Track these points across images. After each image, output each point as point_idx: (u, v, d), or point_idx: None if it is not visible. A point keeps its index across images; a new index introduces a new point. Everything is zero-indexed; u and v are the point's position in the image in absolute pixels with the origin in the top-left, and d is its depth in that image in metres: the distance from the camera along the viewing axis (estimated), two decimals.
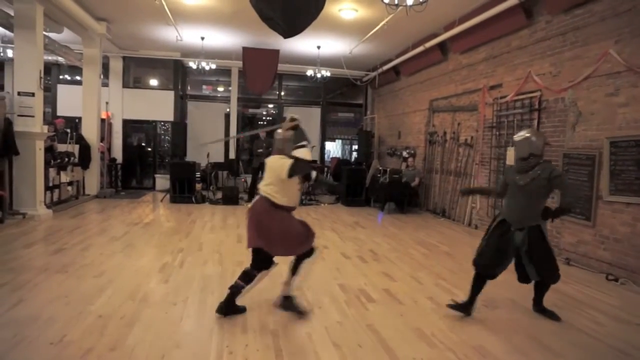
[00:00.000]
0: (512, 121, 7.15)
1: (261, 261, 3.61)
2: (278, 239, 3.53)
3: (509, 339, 3.37)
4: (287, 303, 3.73)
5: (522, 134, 3.83)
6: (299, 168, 3.44)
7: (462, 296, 4.31)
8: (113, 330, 3.20)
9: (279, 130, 3.73)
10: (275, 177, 3.53)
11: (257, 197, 3.66)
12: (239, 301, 3.61)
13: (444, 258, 5.88)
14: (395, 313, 3.82)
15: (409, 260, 5.72)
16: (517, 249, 3.73)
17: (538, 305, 3.96)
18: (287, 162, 3.43)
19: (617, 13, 5.28)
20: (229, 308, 3.57)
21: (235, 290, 3.56)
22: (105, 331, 3.19)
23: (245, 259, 5.36)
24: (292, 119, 3.73)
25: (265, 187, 3.59)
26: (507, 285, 4.74)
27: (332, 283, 4.60)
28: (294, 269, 3.75)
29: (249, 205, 3.74)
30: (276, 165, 3.52)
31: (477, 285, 3.83)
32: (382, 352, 3.06)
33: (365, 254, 5.96)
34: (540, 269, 3.71)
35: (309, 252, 3.73)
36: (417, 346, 3.19)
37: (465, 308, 3.81)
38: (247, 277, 3.59)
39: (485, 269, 3.80)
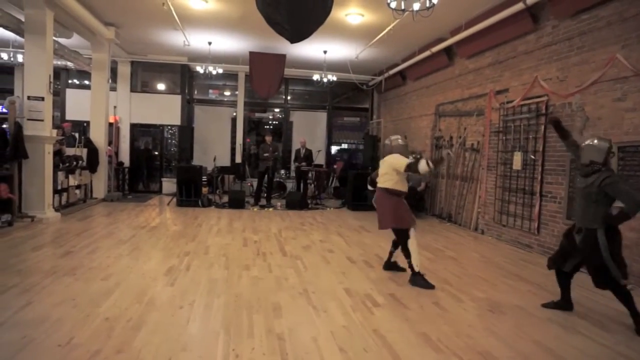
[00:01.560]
0: (519, 126, 7.13)
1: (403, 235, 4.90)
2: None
3: (515, 345, 3.36)
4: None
5: (588, 141, 3.91)
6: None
7: (468, 301, 4.32)
8: (120, 333, 3.23)
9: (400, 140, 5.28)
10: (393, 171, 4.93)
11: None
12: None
13: (449, 263, 5.86)
14: (401, 318, 3.82)
15: None
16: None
17: (562, 300, 4.14)
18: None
19: (624, 18, 5.27)
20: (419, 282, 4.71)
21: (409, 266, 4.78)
22: (112, 334, 3.21)
23: (251, 262, 5.41)
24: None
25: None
26: (513, 291, 4.74)
27: (337, 287, 4.61)
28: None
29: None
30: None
31: (560, 281, 4.13)
32: (387, 357, 3.06)
33: (370, 258, 5.96)
34: (592, 275, 3.82)
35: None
36: (423, 351, 3.19)
37: (562, 306, 4.11)
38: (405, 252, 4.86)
39: (552, 261, 4.10)
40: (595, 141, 3.83)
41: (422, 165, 4.66)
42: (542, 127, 6.58)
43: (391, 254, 5.38)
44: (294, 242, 6.76)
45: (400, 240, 4.98)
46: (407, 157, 5.02)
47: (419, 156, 5.10)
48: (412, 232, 4.93)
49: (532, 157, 6.75)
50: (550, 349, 3.32)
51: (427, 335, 3.46)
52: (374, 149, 13.05)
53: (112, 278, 4.54)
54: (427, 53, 9.71)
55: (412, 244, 4.87)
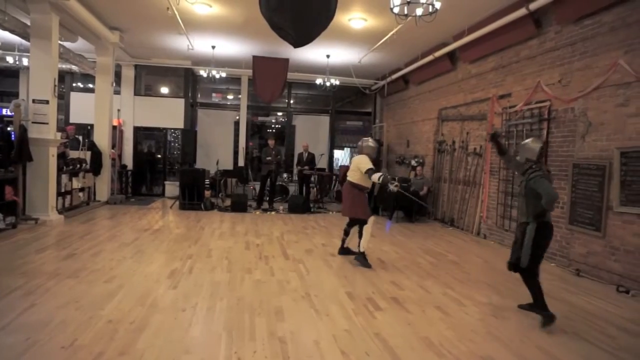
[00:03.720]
0: (522, 131, 7.14)
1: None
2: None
3: (517, 350, 3.35)
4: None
5: (524, 142, 4.34)
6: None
7: (471, 305, 4.32)
8: (123, 335, 3.24)
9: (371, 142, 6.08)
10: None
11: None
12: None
13: (452, 267, 5.86)
14: (403, 322, 3.82)
15: (416, 269, 5.71)
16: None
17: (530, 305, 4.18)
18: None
19: (627, 24, 5.28)
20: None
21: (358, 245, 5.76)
22: (115, 336, 3.22)
23: (254, 266, 5.42)
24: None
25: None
26: (516, 295, 4.72)
27: (340, 291, 4.61)
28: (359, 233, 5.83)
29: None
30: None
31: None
32: None
33: (373, 262, 5.94)
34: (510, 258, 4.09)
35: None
36: (425, 355, 3.19)
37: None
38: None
39: (509, 264, 4.17)
40: (529, 141, 4.22)
41: (375, 176, 5.57)
42: (545, 132, 6.58)
43: (343, 240, 6.24)
44: (296, 246, 6.77)
45: (359, 225, 5.91)
46: (373, 157, 6.02)
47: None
48: (370, 220, 5.80)
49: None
50: (553, 354, 3.31)
51: (429, 339, 3.46)
52: (376, 153, 13.06)
53: (115, 280, 4.56)
54: (430, 58, 9.74)
55: (366, 229, 5.76)
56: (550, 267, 6.04)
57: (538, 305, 3.90)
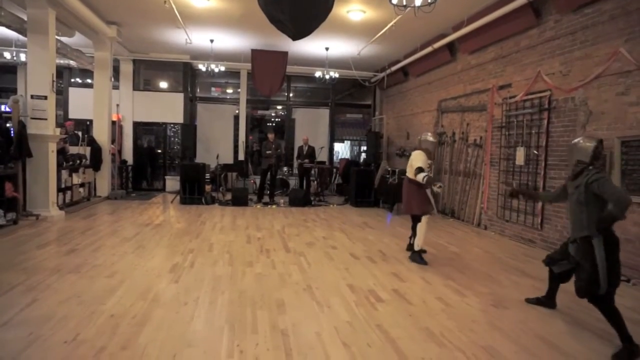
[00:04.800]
0: (522, 121, 7.12)
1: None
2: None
3: (518, 340, 3.36)
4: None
5: (574, 141, 3.69)
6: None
7: (472, 296, 4.33)
8: (125, 330, 3.25)
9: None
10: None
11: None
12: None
13: (453, 258, 5.87)
14: (404, 313, 3.83)
15: None
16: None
17: (545, 297, 4.10)
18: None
19: (628, 12, 5.24)
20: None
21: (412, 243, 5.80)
22: (117, 330, 3.23)
23: (255, 259, 5.43)
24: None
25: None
26: (516, 286, 4.74)
27: (341, 283, 4.62)
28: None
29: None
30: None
31: (550, 279, 4.07)
32: (391, 352, 3.07)
33: (374, 254, 5.97)
34: (579, 283, 3.48)
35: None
36: (426, 346, 3.20)
37: (545, 303, 4.09)
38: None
39: (548, 258, 3.98)
40: (580, 139, 3.64)
41: (420, 176, 5.47)
42: (545, 122, 6.56)
43: (411, 238, 6.06)
44: (297, 239, 6.78)
45: (413, 221, 5.82)
46: (432, 153, 5.96)
47: (429, 170, 5.62)
48: (424, 218, 5.58)
49: (535, 152, 6.73)
50: (554, 344, 3.32)
51: (431, 330, 3.47)
52: (376, 146, 13.06)
53: (116, 275, 4.57)
54: (429, 49, 9.69)
55: (420, 227, 5.59)
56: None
57: (620, 335, 3.22)
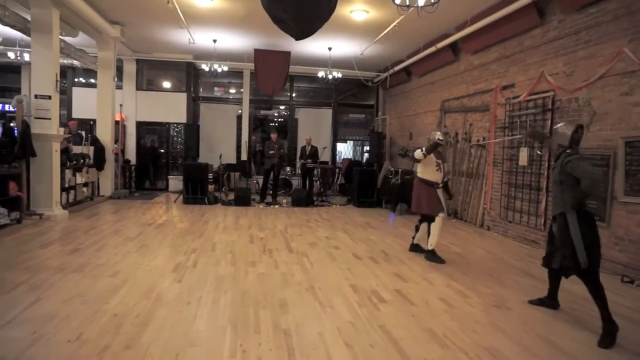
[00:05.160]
0: (525, 121, 7.10)
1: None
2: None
3: (521, 340, 3.36)
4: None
5: (556, 125, 4.02)
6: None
7: (474, 297, 4.32)
8: (128, 329, 3.26)
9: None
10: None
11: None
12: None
13: (455, 259, 5.86)
14: (407, 314, 3.83)
15: (420, 261, 5.70)
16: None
17: (547, 297, 4.09)
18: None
19: (632, 11, 5.22)
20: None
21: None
22: (121, 330, 3.24)
23: (257, 259, 5.44)
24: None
25: None
26: (519, 286, 4.73)
27: (343, 283, 4.62)
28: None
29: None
30: None
31: (549, 278, 4.10)
32: (393, 353, 3.07)
33: (376, 254, 5.96)
34: (560, 261, 3.68)
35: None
36: (429, 347, 3.19)
37: (547, 304, 4.08)
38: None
39: (543, 259, 3.99)
40: (561, 125, 3.93)
41: (417, 153, 5.67)
42: (549, 122, 6.54)
43: (413, 237, 6.16)
44: (300, 239, 6.78)
45: (420, 220, 5.97)
46: (442, 152, 5.98)
47: (437, 169, 5.81)
48: (437, 218, 5.63)
49: (538, 152, 6.71)
50: (556, 344, 3.32)
51: (433, 331, 3.47)
52: (379, 146, 13.05)
53: (119, 275, 4.58)
54: (432, 49, 9.68)
55: (434, 226, 5.64)
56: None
57: (603, 313, 3.40)
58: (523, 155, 7.05)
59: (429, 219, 5.78)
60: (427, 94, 11.02)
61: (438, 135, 5.79)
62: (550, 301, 4.09)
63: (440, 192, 5.79)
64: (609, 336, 3.33)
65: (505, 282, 4.87)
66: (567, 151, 3.72)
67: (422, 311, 3.90)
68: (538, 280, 4.94)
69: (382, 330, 3.44)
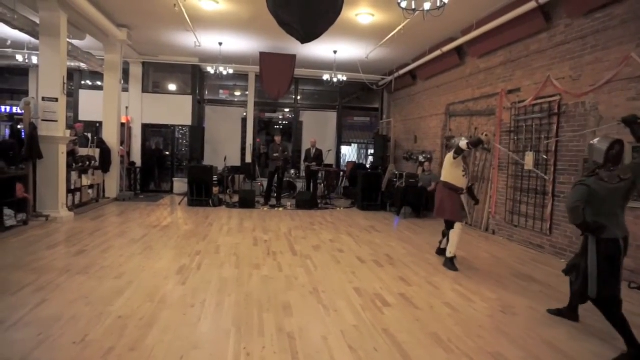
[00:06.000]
0: (531, 125, 7.07)
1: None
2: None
3: (526, 346, 3.34)
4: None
5: (592, 141, 3.71)
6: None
7: (479, 301, 4.30)
8: (132, 331, 3.27)
9: None
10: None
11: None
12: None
13: (460, 263, 5.81)
14: (411, 318, 3.81)
15: (424, 264, 5.69)
16: None
17: (567, 308, 3.98)
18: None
19: (639, 16, 5.19)
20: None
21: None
22: (125, 332, 3.25)
23: (262, 262, 5.44)
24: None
25: None
26: (525, 291, 4.70)
27: (347, 287, 4.61)
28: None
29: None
30: None
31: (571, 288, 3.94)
32: (397, 357, 3.06)
33: (381, 258, 5.95)
34: (574, 279, 3.60)
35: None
36: (433, 351, 3.18)
37: (567, 315, 3.95)
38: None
39: (567, 266, 3.88)
40: (596, 141, 3.64)
41: (462, 143, 5.41)
42: (555, 126, 6.51)
43: (440, 242, 6.16)
44: (304, 242, 6.78)
45: (447, 226, 5.82)
46: (467, 157, 5.75)
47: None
48: (457, 226, 5.55)
49: (544, 157, 6.68)
50: (562, 350, 3.29)
51: (438, 335, 3.45)
52: (384, 149, 13.03)
53: (124, 277, 4.60)
54: (437, 53, 9.67)
55: (453, 234, 5.56)
56: (559, 263, 5.98)
57: (625, 340, 3.24)
58: (529, 160, 7.02)
59: (450, 224, 5.65)
60: (432, 98, 11.01)
61: (464, 141, 5.49)
62: (569, 313, 3.93)
63: (464, 198, 5.69)
64: (628, 359, 3.17)
65: (510, 287, 4.84)
66: (597, 171, 3.48)
67: (427, 315, 3.89)
68: (544, 286, 4.92)
69: (386, 334, 3.43)
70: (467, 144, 5.36)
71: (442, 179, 5.77)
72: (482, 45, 8.36)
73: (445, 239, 5.95)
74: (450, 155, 5.63)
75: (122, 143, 11.28)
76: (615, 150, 3.47)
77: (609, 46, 5.64)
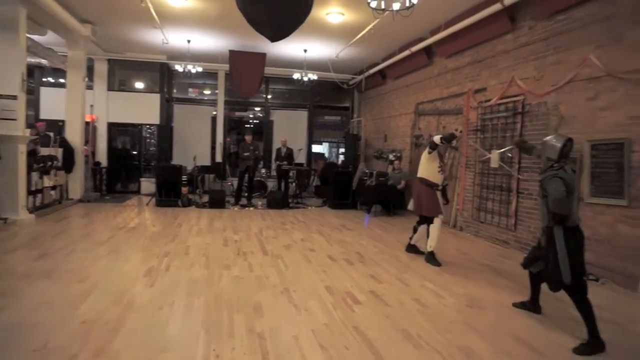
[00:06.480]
0: (497, 124, 7.26)
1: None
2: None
3: (494, 340, 3.42)
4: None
5: (545, 138, 3.90)
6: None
7: (448, 297, 4.38)
8: (98, 336, 3.17)
9: None
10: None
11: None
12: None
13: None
14: (382, 315, 3.85)
15: (395, 262, 5.75)
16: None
17: (530, 301, 4.10)
18: None
19: (598, 20, 5.40)
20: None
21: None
22: (90, 337, 3.15)
23: (232, 262, 5.38)
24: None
25: None
26: (492, 286, 4.82)
27: (318, 285, 4.61)
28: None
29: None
30: None
31: (530, 282, 4.10)
32: (368, 354, 3.08)
33: (351, 256, 5.98)
34: (547, 275, 3.68)
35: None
36: (403, 347, 3.22)
37: (530, 308, 4.07)
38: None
39: (525, 260, 4.05)
40: (551, 137, 3.83)
41: (435, 138, 5.59)
42: (519, 125, 6.70)
43: (410, 238, 6.21)
44: (275, 241, 6.75)
45: (419, 222, 5.97)
46: (442, 154, 5.89)
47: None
48: (436, 220, 5.67)
49: (509, 154, 6.87)
50: (529, 343, 3.39)
51: (408, 331, 3.50)
52: (355, 148, 13.12)
53: (89, 280, 4.45)
54: (406, 52, 9.79)
55: (433, 229, 5.67)
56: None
57: (589, 329, 3.38)
58: (494, 157, 7.19)
59: (428, 220, 5.77)
60: (402, 97, 11.15)
61: (439, 138, 5.67)
62: (532, 305, 4.07)
63: (439, 194, 5.79)
64: (588, 348, 3.29)
65: (478, 282, 4.96)
66: (554, 165, 3.65)
67: (397, 312, 3.93)
68: (510, 280, 5.05)
69: (357, 331, 3.45)
70: (441, 138, 5.57)
71: (418, 174, 5.88)
72: (450, 45, 8.52)
73: (416, 235, 6.08)
74: (426, 151, 5.81)
75: (86, 142, 10.93)
76: (568, 147, 3.71)
77: (570, 48, 5.85)
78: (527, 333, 3.58)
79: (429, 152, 5.75)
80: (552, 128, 6.01)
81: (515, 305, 4.19)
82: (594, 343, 3.31)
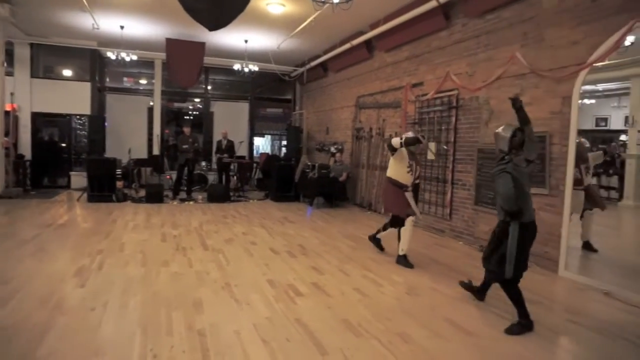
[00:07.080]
0: (433, 118, 7.53)
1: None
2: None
3: (430, 325, 3.56)
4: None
5: (497, 129, 3.81)
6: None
7: (387, 285, 4.51)
8: (21, 343, 2.95)
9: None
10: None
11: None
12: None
13: (370, 250, 6.06)
14: (323, 305, 3.89)
15: (337, 253, 5.84)
16: None
17: (479, 288, 4.17)
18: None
19: (523, 20, 5.74)
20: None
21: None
22: (12, 343, 2.93)
23: (170, 258, 5.21)
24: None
25: None
26: (428, 273, 5.02)
27: (261, 279, 4.59)
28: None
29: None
30: None
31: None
32: (310, 345, 3.11)
33: (294, 248, 6.00)
34: (486, 258, 3.79)
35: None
36: (344, 336, 3.28)
37: (474, 292, 4.17)
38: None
39: (482, 260, 3.95)
40: (500, 129, 3.75)
41: (394, 140, 5.37)
42: (454, 119, 7.00)
43: (378, 230, 6.00)
44: (216, 236, 6.62)
45: (391, 221, 5.74)
46: (414, 153, 5.52)
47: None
48: (407, 222, 5.42)
49: (445, 147, 7.16)
50: (459, 324, 3.57)
51: (349, 321, 3.56)
52: (297, 140, 13.11)
53: (12, 282, 4.14)
54: (347, 45, 9.89)
55: (404, 231, 5.43)
56: (458, 245, 6.49)
57: (519, 311, 3.55)
58: (431, 150, 7.46)
59: (399, 223, 5.49)
60: (343, 90, 11.27)
61: (411, 135, 5.37)
62: (478, 293, 4.14)
63: (410, 195, 5.45)
64: (518, 328, 3.47)
65: (415, 270, 5.14)
66: (505, 158, 3.60)
67: (338, 302, 4.00)
68: (444, 267, 5.30)
69: (299, 323, 3.47)
70: (401, 142, 5.25)
71: (387, 174, 5.66)
72: (389, 40, 8.70)
73: (385, 232, 5.86)
74: (390, 155, 5.60)
75: (6, 134, 10.10)
76: (518, 137, 3.60)
77: (499, 45, 6.17)
78: (461, 316, 3.76)
79: (391, 154, 5.50)
80: (484, 122, 6.34)
81: (462, 284, 4.27)
82: (524, 323, 3.52)
